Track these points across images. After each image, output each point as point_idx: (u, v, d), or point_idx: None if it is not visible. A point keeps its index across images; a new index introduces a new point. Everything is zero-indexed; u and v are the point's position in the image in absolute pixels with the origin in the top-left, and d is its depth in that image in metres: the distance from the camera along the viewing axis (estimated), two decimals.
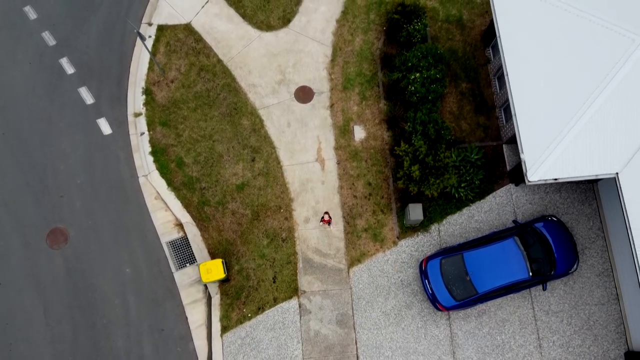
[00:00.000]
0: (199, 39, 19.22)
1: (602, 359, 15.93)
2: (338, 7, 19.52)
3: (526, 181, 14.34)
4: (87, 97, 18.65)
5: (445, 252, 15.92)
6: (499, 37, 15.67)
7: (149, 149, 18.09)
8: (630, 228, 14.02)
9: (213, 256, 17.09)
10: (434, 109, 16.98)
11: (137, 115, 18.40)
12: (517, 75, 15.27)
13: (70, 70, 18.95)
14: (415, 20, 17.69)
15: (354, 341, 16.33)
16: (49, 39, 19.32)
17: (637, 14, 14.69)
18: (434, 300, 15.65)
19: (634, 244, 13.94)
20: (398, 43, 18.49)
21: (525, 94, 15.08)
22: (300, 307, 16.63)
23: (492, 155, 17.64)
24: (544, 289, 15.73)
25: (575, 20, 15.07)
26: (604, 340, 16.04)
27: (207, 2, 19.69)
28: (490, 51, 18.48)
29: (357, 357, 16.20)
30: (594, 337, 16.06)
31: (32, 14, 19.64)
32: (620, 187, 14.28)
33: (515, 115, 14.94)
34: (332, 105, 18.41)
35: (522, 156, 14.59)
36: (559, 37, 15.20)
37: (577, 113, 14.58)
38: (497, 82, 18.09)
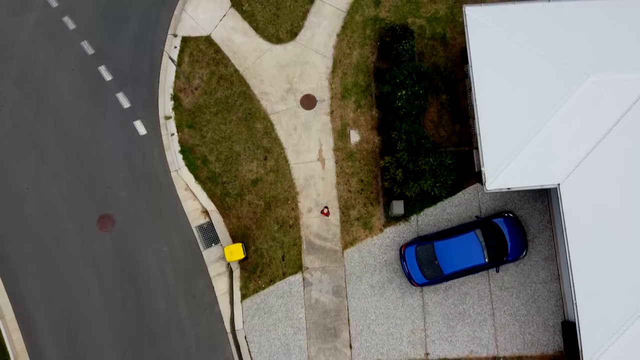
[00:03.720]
0: (218, 50, 22.24)
1: (543, 326, 20.12)
2: (338, 23, 22.36)
3: (484, 189, 17.98)
4: (124, 102, 21.94)
5: (420, 240, 19.81)
6: (471, 66, 18.79)
7: (178, 148, 21.60)
8: (565, 226, 17.78)
9: (234, 239, 21.01)
10: (417, 121, 20.32)
11: (167, 118, 21.76)
12: (483, 99, 18.51)
13: (108, 77, 22.11)
14: (404, 42, 20.69)
15: (346, 307, 20.51)
16: (88, 48, 22.34)
17: (583, 55, 17.74)
18: (409, 278, 19.68)
19: (567, 238, 17.73)
20: (389, 59, 21.51)
21: (489, 116, 18.39)
22: (304, 280, 20.72)
23: (464, 158, 21.12)
24: (497, 271, 19.74)
25: (534, 58, 18.09)
26: (545, 312, 20.18)
27: (225, 15, 22.54)
28: (468, 67, 21.50)
29: (349, 320, 20.45)
30: (537, 308, 20.19)
31: (70, 24, 22.54)
32: (560, 195, 17.92)
33: (479, 134, 18.33)
34: (332, 112, 21.72)
35: (482, 169, 18.13)
36: (521, 70, 18.28)
37: (530, 134, 17.97)
38: (472, 95, 21.26)
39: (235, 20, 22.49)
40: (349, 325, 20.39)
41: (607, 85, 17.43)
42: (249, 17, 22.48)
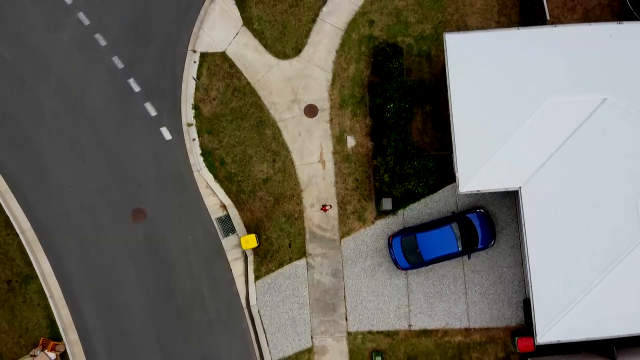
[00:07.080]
0: (232, 64, 25.41)
1: (507, 303, 23.95)
2: (337, 40, 25.44)
3: (457, 192, 21.55)
4: (151, 110, 25.25)
5: (405, 232, 23.50)
6: (449, 85, 22.06)
7: (199, 151, 25.05)
8: (524, 222, 21.39)
9: (248, 229, 24.69)
10: (404, 130, 23.70)
11: (189, 125, 25.13)
12: (458, 114, 21.82)
13: (137, 88, 25.34)
14: (394, 60, 23.90)
15: (343, 287, 24.35)
16: (118, 62, 25.49)
17: (543, 79, 21.01)
18: (395, 263, 23.44)
19: (525, 232, 21.36)
20: (381, 74, 24.73)
21: (463, 129, 21.76)
22: (307, 264, 24.50)
23: (444, 161, 24.57)
24: (469, 258, 23.50)
25: (503, 80, 21.36)
26: (509, 291, 24.01)
27: (237, 33, 25.63)
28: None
29: (345, 297, 24.31)
30: (503, 288, 24.02)
31: (102, 41, 25.61)
32: (521, 197, 21.48)
33: (454, 144, 21.77)
34: (331, 120, 25.08)
35: (456, 174, 21.66)
36: (492, 90, 21.51)
37: (497, 145, 21.35)
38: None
39: (247, 38, 25.58)
40: (345, 302, 24.25)
41: (562, 105, 20.78)
42: (259, 35, 25.55)
